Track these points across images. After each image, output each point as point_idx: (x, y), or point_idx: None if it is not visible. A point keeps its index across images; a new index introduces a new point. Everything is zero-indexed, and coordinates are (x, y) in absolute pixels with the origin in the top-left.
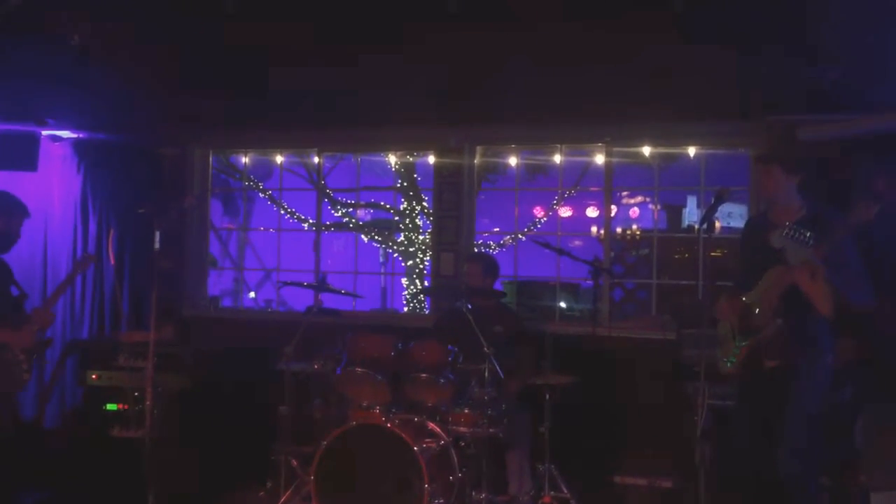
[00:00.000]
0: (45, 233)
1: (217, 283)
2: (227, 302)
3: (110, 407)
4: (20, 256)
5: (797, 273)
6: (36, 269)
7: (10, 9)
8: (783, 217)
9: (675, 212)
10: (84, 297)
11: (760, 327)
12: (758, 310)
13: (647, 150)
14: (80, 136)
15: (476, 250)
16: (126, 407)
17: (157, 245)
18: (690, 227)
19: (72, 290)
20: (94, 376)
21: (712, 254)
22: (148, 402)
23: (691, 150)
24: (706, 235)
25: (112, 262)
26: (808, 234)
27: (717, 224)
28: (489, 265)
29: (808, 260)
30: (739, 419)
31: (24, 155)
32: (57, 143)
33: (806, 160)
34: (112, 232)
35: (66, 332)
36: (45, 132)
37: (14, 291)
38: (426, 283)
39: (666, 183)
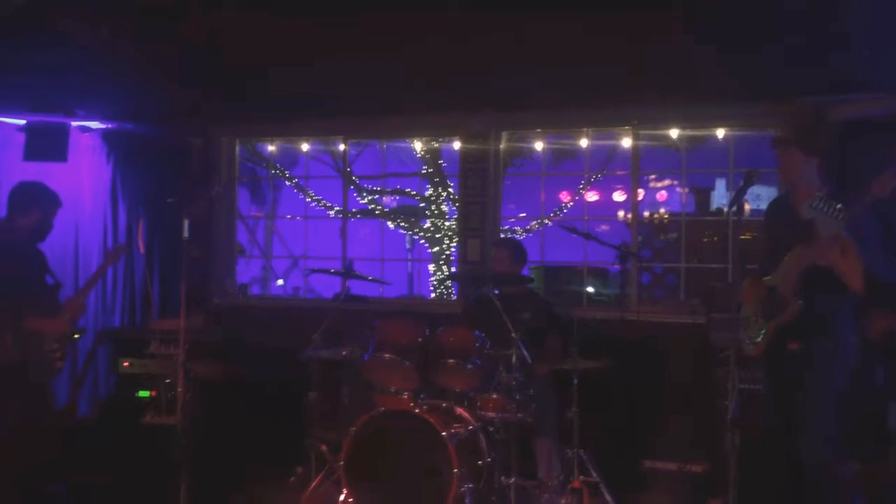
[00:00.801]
0: (76, 223)
1: (245, 271)
2: (255, 290)
3: (142, 394)
4: (52, 246)
5: (828, 249)
6: (68, 259)
7: (14, 8)
8: (804, 199)
9: (703, 195)
10: (115, 286)
11: (782, 309)
12: (779, 291)
13: (674, 133)
14: (109, 126)
15: (502, 236)
16: (157, 394)
17: (185, 234)
18: (719, 210)
19: (103, 279)
20: (125, 364)
21: (742, 237)
22: (180, 389)
23: (720, 132)
24: (735, 218)
25: (142, 251)
26: (837, 207)
27: (747, 207)
28: (517, 250)
29: (838, 233)
30: (767, 403)
31: (54, 146)
32: (86, 134)
33: (825, 141)
34: (142, 221)
35: (97, 320)
36: (74, 123)
37: (49, 280)
38: (452, 270)
39: (694, 166)
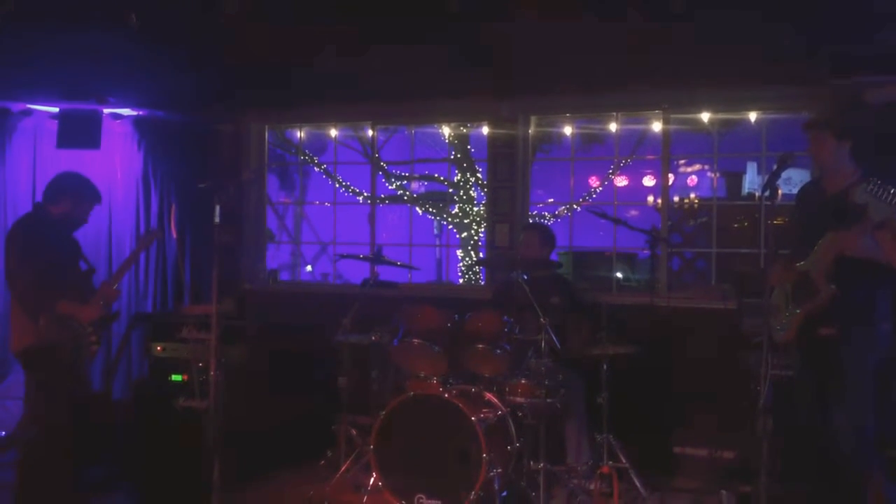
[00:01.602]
0: (109, 209)
1: (275, 257)
2: (284, 275)
3: (175, 378)
4: (86, 232)
5: (880, 234)
6: (101, 245)
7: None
8: (836, 183)
9: (734, 179)
10: (148, 271)
11: (814, 294)
12: (811, 276)
13: (705, 117)
14: (141, 113)
15: (537, 221)
16: (190, 378)
17: (217, 219)
18: (750, 195)
19: (136, 264)
20: (158, 348)
21: (774, 221)
22: (212, 374)
23: (752, 116)
24: (768, 203)
25: (175, 236)
26: (892, 191)
27: (780, 191)
28: (546, 235)
29: (891, 218)
30: (799, 390)
31: (87, 133)
32: (118, 121)
33: (857, 124)
34: (174, 207)
35: (131, 305)
36: (106, 110)
37: (82, 266)
38: (481, 255)
39: (725, 149)
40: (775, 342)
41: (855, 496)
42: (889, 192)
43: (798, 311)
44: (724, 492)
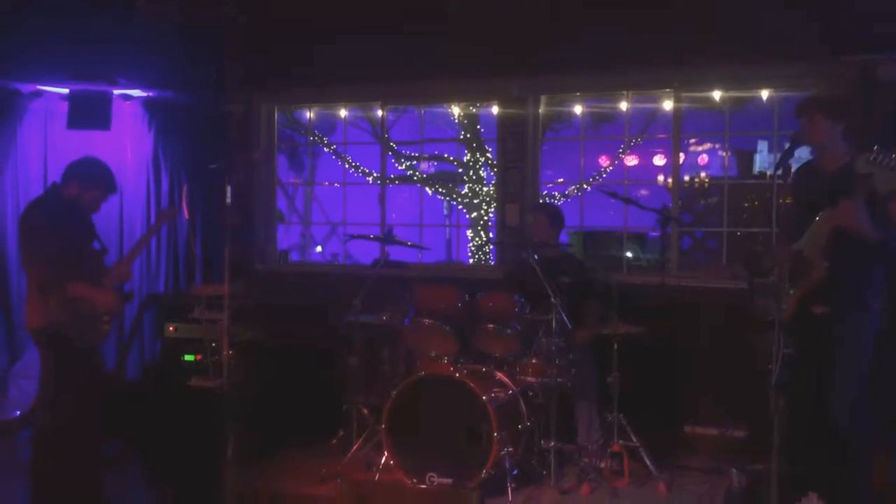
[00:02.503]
0: (120, 190)
1: (285, 238)
2: (294, 256)
3: (188, 358)
4: (97, 214)
5: (855, 206)
6: (112, 225)
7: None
8: (832, 163)
9: (745, 158)
10: (159, 252)
11: (808, 272)
12: (807, 255)
13: (717, 95)
14: (150, 94)
15: (541, 201)
16: (202, 358)
17: (228, 200)
18: (762, 174)
19: (147, 246)
20: (171, 328)
21: (786, 200)
22: (225, 353)
23: (764, 94)
24: (780, 182)
25: (186, 216)
26: (895, 157)
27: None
28: (554, 215)
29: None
30: (798, 368)
31: (97, 114)
32: (128, 102)
33: (848, 105)
34: (185, 187)
35: (143, 286)
36: (116, 91)
37: (96, 246)
38: (491, 235)
39: (736, 128)
40: (767, 321)
41: (856, 473)
42: (893, 159)
43: (794, 290)
44: (734, 470)
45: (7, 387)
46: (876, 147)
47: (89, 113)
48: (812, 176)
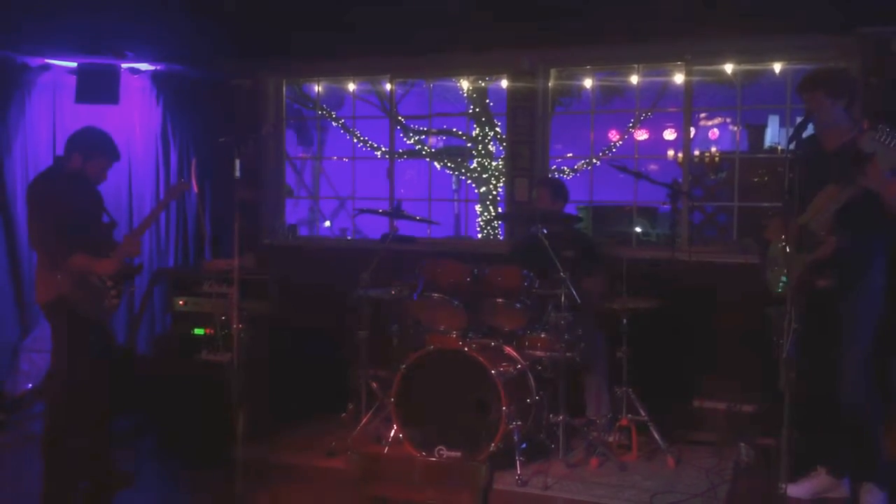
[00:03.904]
0: (129, 164)
1: (293, 213)
2: (303, 231)
3: (197, 332)
4: (106, 187)
5: (890, 184)
6: (122, 199)
7: None
8: (834, 140)
9: (756, 132)
10: (168, 226)
11: (815, 247)
12: (813, 229)
13: (729, 68)
14: (159, 68)
15: (549, 175)
16: (212, 332)
17: (237, 174)
18: (772, 148)
19: (157, 220)
20: (181, 303)
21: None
22: (235, 327)
23: (777, 67)
24: (791, 156)
25: (195, 190)
26: None
27: None
28: (557, 189)
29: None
30: (801, 342)
31: (106, 88)
32: (136, 76)
33: (851, 81)
34: (194, 161)
35: (153, 260)
36: (124, 65)
37: (105, 219)
38: (500, 210)
39: (748, 102)
40: (773, 296)
41: (860, 445)
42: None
43: (799, 263)
44: (742, 444)
45: (19, 360)
46: (880, 126)
47: (97, 87)
48: (814, 151)
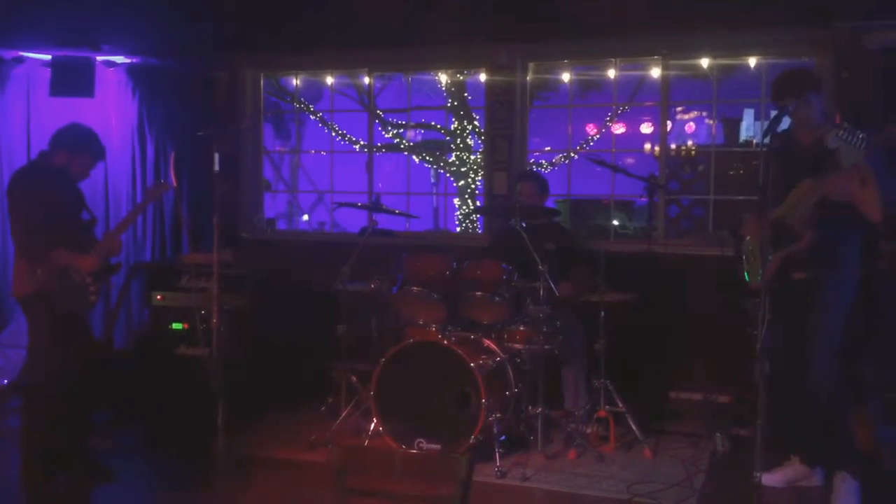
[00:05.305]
0: (104, 159)
1: (271, 207)
2: (281, 224)
3: (175, 326)
4: (82, 182)
5: (847, 178)
6: (97, 194)
7: None
8: (808, 135)
9: (732, 125)
10: (146, 220)
11: (791, 241)
12: (790, 223)
13: (705, 62)
14: (134, 60)
15: (530, 169)
16: (190, 326)
17: (216, 167)
18: (748, 142)
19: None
20: (158, 297)
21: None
22: (214, 321)
23: (752, 61)
24: (766, 149)
25: (174, 184)
26: (860, 136)
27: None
28: (543, 184)
29: (859, 163)
30: (774, 334)
31: (80, 81)
32: (111, 69)
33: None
34: (172, 155)
35: (129, 255)
36: (99, 58)
37: (85, 216)
38: (478, 203)
39: (724, 96)
40: (749, 289)
41: (831, 434)
42: (858, 137)
43: (775, 255)
44: (718, 435)
45: None
46: (843, 123)
47: (72, 80)
48: (789, 145)
